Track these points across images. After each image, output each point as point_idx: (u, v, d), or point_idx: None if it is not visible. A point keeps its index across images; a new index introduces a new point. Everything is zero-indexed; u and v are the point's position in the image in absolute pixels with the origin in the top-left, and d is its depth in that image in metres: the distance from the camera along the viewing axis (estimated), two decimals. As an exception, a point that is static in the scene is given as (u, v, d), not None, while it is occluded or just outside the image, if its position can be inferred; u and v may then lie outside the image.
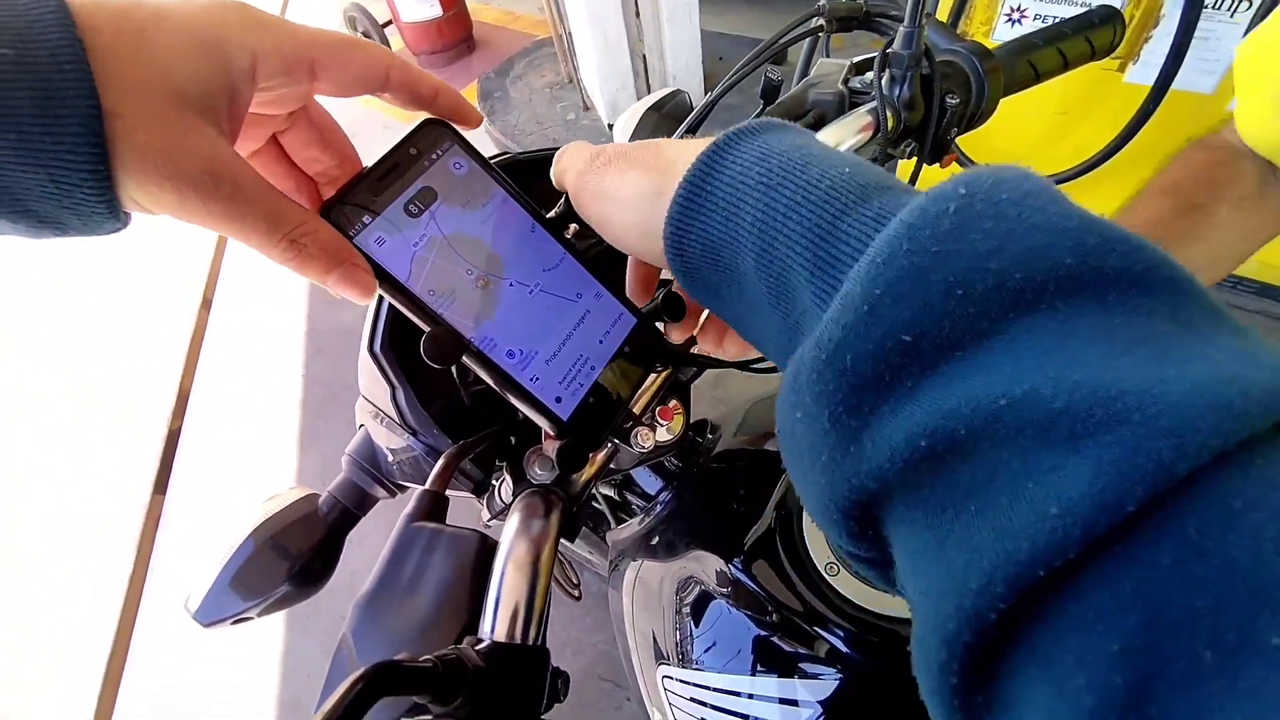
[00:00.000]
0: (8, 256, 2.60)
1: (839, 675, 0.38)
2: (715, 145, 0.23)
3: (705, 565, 0.46)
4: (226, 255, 2.46)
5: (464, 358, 0.27)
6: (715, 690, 0.42)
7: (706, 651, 0.45)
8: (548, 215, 0.31)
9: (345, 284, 0.25)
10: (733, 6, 2.97)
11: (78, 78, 0.19)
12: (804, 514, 0.44)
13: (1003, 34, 1.50)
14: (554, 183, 0.30)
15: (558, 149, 0.29)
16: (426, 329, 0.26)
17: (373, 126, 2.49)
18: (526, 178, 0.29)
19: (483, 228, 0.28)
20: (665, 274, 0.36)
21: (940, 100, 0.48)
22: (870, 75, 0.50)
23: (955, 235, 0.16)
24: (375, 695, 0.20)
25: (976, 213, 0.16)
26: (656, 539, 0.54)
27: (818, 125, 0.48)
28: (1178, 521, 0.12)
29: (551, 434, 0.29)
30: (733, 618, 0.44)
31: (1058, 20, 0.55)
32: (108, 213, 0.21)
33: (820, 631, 0.39)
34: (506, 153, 0.51)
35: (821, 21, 0.53)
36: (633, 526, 0.58)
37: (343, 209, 0.25)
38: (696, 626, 0.46)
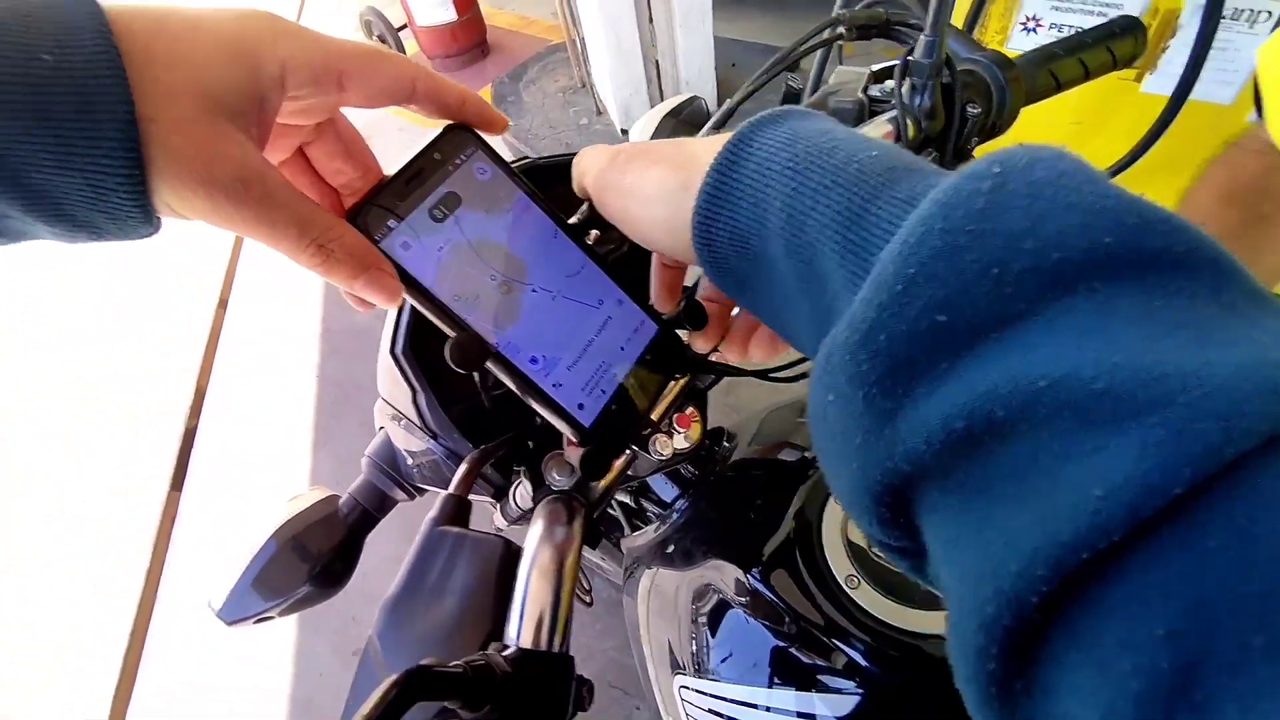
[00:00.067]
0: (29, 259, 2.64)
1: (859, 690, 0.38)
2: (740, 133, 0.23)
3: (723, 575, 0.46)
4: (242, 257, 2.48)
5: (487, 363, 0.27)
6: (732, 702, 0.42)
7: (723, 662, 0.45)
8: (569, 221, 0.31)
9: (372, 289, 0.25)
10: (746, 13, 2.97)
11: (114, 83, 0.19)
12: (823, 526, 0.44)
13: (1018, 43, 1.50)
14: (574, 185, 0.30)
15: (575, 154, 0.29)
16: (451, 334, 0.26)
17: (389, 130, 2.51)
18: (545, 183, 0.30)
19: (506, 233, 0.28)
20: (688, 280, 0.37)
21: (961, 109, 0.48)
22: (890, 83, 0.50)
23: (990, 214, 0.15)
24: (411, 699, 0.20)
25: (1011, 191, 0.15)
26: (672, 547, 0.54)
27: (838, 134, 0.48)
28: (1226, 505, 0.12)
29: (574, 440, 0.29)
30: (750, 628, 0.44)
31: (1073, 29, 0.55)
32: (142, 217, 0.21)
33: (839, 645, 0.39)
34: (525, 158, 0.52)
35: (841, 30, 0.53)
36: (648, 534, 0.58)
37: (368, 214, 0.26)
38: (713, 636, 0.46)
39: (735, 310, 0.33)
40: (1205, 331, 0.13)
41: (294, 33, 0.23)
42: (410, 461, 0.49)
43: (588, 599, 0.52)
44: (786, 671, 0.41)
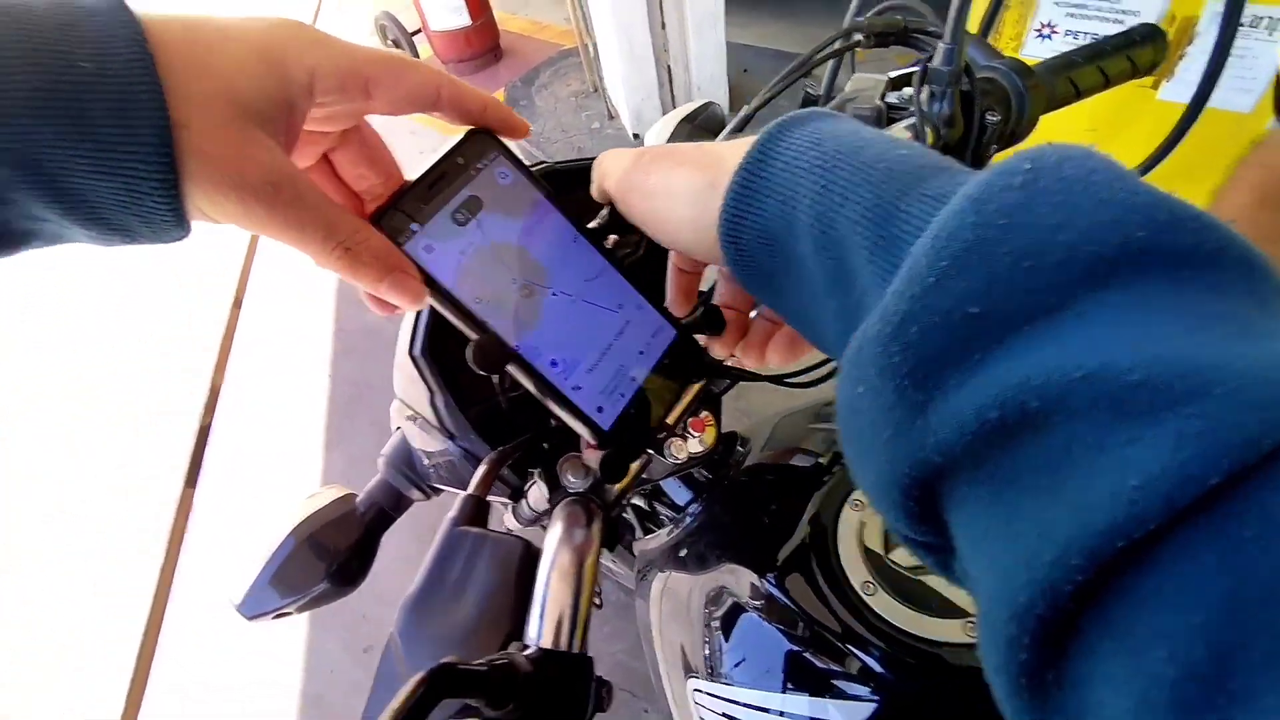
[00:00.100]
0: (54, 262, 2.68)
1: (874, 697, 0.38)
2: (768, 132, 0.23)
3: (738, 579, 0.46)
4: (257, 257, 2.51)
5: (508, 366, 0.27)
6: (746, 706, 0.42)
7: (736, 666, 0.45)
8: (589, 225, 0.31)
9: (396, 291, 0.25)
10: (758, 18, 2.98)
11: (149, 91, 0.20)
12: (839, 532, 0.44)
13: (1033, 49, 1.50)
14: (594, 188, 0.30)
15: (592, 159, 0.30)
16: (473, 336, 0.27)
17: (399, 131, 2.53)
18: (560, 187, 0.30)
19: (527, 237, 0.29)
20: (703, 285, 0.37)
21: (980, 117, 0.48)
22: (908, 90, 0.50)
23: (1022, 208, 0.15)
24: (437, 696, 0.20)
25: (1042, 187, 0.16)
26: (685, 550, 0.54)
27: (856, 141, 0.48)
28: (1262, 495, 0.12)
29: (593, 443, 0.30)
30: (764, 632, 0.44)
31: (1089, 36, 0.55)
32: (174, 220, 0.21)
33: (855, 651, 0.39)
34: (541, 162, 0.52)
35: (859, 37, 0.53)
36: (661, 537, 0.58)
37: (392, 217, 0.26)
38: (726, 640, 0.46)
39: (753, 313, 0.33)
40: (1240, 325, 0.14)
41: (322, 41, 0.24)
42: (426, 461, 0.50)
43: (597, 601, 0.52)
44: (801, 677, 0.41)
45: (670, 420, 0.45)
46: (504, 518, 0.48)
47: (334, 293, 2.23)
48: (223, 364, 2.09)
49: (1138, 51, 0.56)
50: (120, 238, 0.22)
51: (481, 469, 0.38)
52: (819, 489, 0.49)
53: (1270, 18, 0.98)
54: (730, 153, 0.24)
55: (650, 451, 0.45)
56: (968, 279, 0.15)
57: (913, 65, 0.57)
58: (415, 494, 0.51)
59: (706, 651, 0.48)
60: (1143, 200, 0.15)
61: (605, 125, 2.69)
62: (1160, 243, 0.15)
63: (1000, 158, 0.19)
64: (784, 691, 0.41)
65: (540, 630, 0.29)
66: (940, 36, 0.51)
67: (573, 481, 0.40)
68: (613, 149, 0.30)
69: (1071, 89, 0.53)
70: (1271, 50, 0.97)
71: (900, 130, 0.47)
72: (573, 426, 0.29)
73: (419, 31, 3.30)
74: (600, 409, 0.29)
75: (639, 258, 0.33)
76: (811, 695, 0.40)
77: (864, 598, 0.41)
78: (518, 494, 0.45)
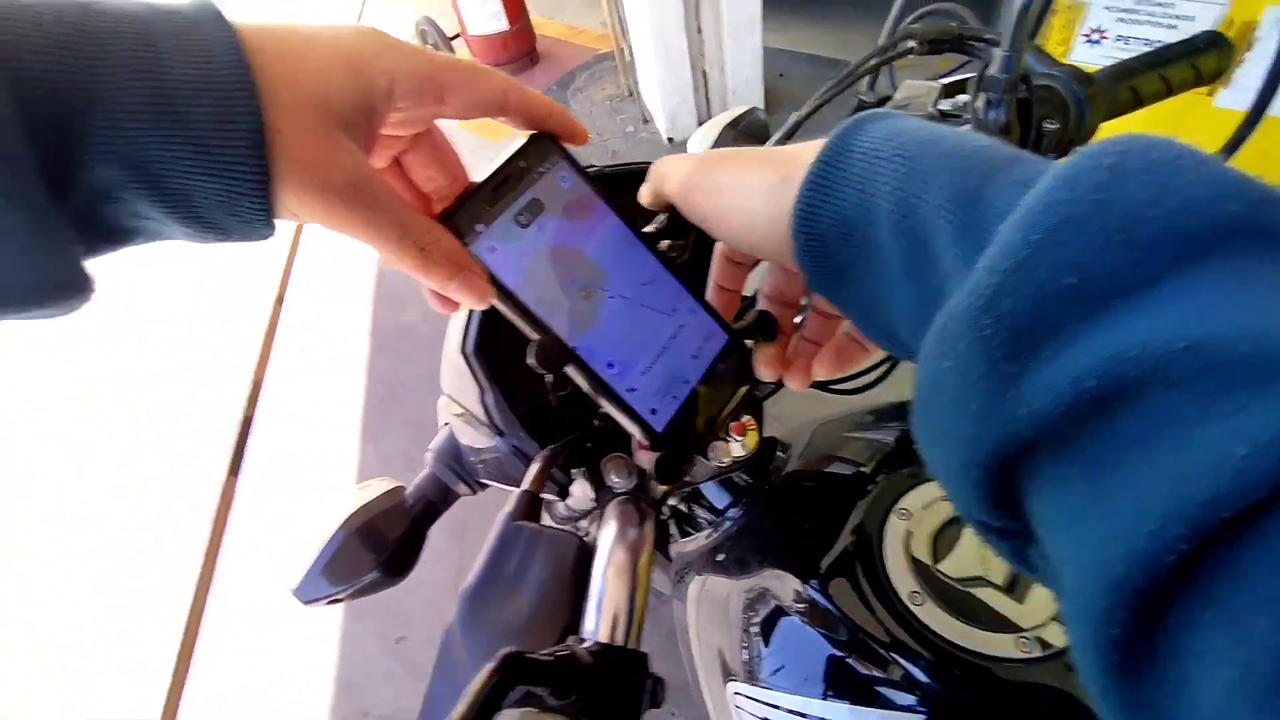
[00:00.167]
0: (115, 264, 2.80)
1: (922, 709, 0.37)
2: (844, 128, 0.24)
3: (781, 584, 0.46)
4: (298, 257, 2.59)
5: (567, 366, 0.28)
6: (789, 712, 0.42)
7: (776, 672, 0.45)
8: (644, 229, 0.32)
9: (465, 290, 0.26)
10: (794, 23, 2.96)
11: (247, 97, 0.21)
12: (885, 542, 0.44)
13: (1081, 55, 1.46)
14: (648, 192, 0.31)
15: (638, 163, 0.30)
16: (534, 337, 0.27)
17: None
18: (609, 191, 0.31)
19: (585, 240, 0.29)
20: (747, 290, 0.37)
21: (1037, 125, 0.47)
22: (962, 98, 0.49)
23: (1114, 185, 0.16)
24: (511, 682, 0.21)
25: (1132, 168, 0.16)
26: (724, 554, 0.54)
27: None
28: None
29: (645, 444, 0.30)
30: (807, 638, 0.43)
31: (1141, 41, 0.53)
32: (264, 220, 0.23)
33: (901, 660, 0.39)
34: (590, 166, 0.53)
35: (913, 44, 0.53)
36: (699, 540, 0.59)
37: (460, 219, 0.27)
38: (766, 646, 0.46)
39: (798, 318, 0.34)
40: None
41: (401, 49, 0.25)
42: (474, 457, 0.51)
43: None
44: (844, 684, 0.41)
45: (718, 423, 0.45)
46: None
47: (371, 292, 2.29)
48: (265, 358, 2.16)
49: (1202, 59, 0.54)
50: (214, 235, 0.23)
51: (536, 465, 0.38)
52: (862, 498, 0.48)
53: (1337, 22, 0.94)
54: (803, 151, 0.25)
55: (695, 454, 0.45)
56: (1062, 251, 0.16)
57: (953, 70, 0.56)
58: (462, 488, 0.52)
59: (745, 656, 0.48)
60: (1233, 179, 0.15)
61: (639, 129, 2.70)
62: (1255, 219, 0.15)
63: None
64: (824, 699, 0.41)
65: (597, 625, 0.29)
66: (994, 43, 0.51)
67: (616, 481, 0.41)
68: (670, 155, 0.30)
69: (1133, 97, 0.52)
70: (1338, 56, 0.92)
71: (954, 137, 0.47)
72: (627, 428, 0.30)
73: (457, 36, 3.36)
74: (654, 411, 0.30)
75: (685, 262, 0.34)
76: (854, 704, 0.40)
77: (911, 608, 0.40)
78: (564, 492, 0.46)
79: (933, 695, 0.38)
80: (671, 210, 0.31)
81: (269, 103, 0.21)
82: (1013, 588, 0.40)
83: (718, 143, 0.65)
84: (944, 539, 0.44)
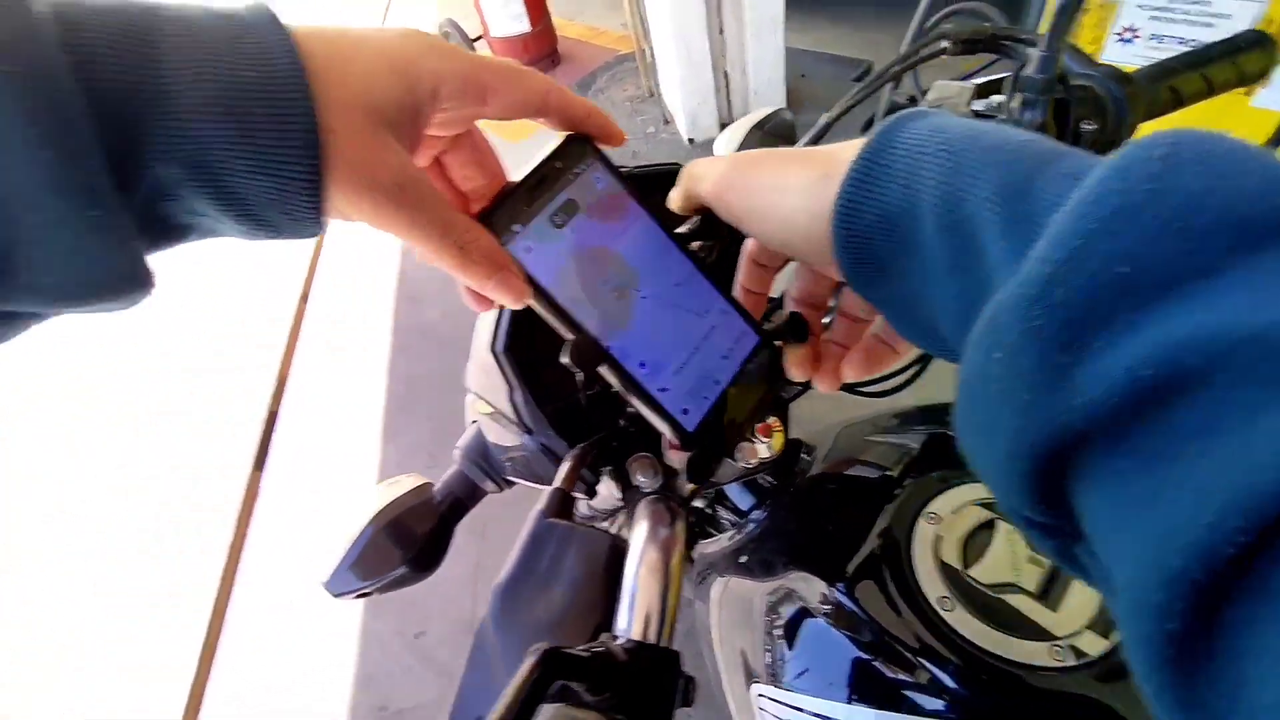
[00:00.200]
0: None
1: (950, 714, 0.37)
2: (886, 125, 0.24)
3: (807, 586, 0.46)
4: (322, 256, 2.63)
5: (600, 366, 0.28)
6: (815, 715, 0.42)
7: (800, 675, 0.45)
8: (677, 230, 0.32)
9: (502, 289, 0.26)
10: (816, 24, 2.94)
11: (301, 98, 0.21)
12: (914, 546, 0.43)
13: (1113, 53, 1.43)
14: (681, 193, 0.31)
15: (666, 164, 0.30)
16: (569, 336, 0.28)
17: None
18: (640, 192, 0.31)
19: (619, 240, 0.29)
20: (774, 291, 0.37)
21: (1075, 126, 0.47)
22: (996, 98, 0.49)
23: (1167, 175, 0.15)
24: (551, 677, 0.21)
25: (1185, 159, 0.16)
26: (748, 556, 0.54)
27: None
28: None
29: (676, 444, 0.30)
30: (833, 640, 0.43)
31: (1175, 40, 0.52)
32: (314, 218, 0.23)
33: (929, 665, 0.38)
34: (623, 167, 0.53)
35: (946, 44, 0.53)
36: (721, 541, 0.59)
37: (497, 218, 0.27)
38: (790, 649, 0.46)
39: (826, 319, 0.33)
40: None
41: (446, 50, 0.26)
42: (502, 455, 0.52)
43: None
44: (870, 688, 0.41)
45: (746, 424, 0.45)
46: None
47: (394, 291, 2.32)
48: (289, 354, 2.20)
49: (1245, 58, 0.53)
50: (266, 233, 0.24)
51: (567, 463, 0.39)
52: (888, 501, 0.48)
53: (1384, 20, 0.91)
54: (842, 149, 0.25)
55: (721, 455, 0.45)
56: (1115, 241, 0.15)
57: (978, 70, 0.56)
58: (489, 486, 0.52)
59: (769, 659, 0.47)
60: None
61: (660, 130, 2.71)
62: None
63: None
64: (850, 702, 0.41)
65: (630, 623, 0.29)
66: (1028, 42, 0.50)
67: (642, 480, 0.41)
68: (699, 158, 0.30)
69: (1173, 97, 0.51)
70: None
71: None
72: (658, 427, 0.30)
73: (480, 38, 3.39)
74: (685, 411, 0.30)
75: (713, 263, 0.34)
76: (880, 709, 0.40)
77: (940, 613, 0.40)
78: (591, 491, 0.46)
79: (961, 701, 0.37)
80: (704, 212, 0.31)
81: (321, 104, 0.22)
82: (1046, 594, 0.40)
83: (744, 144, 0.65)
84: (974, 544, 0.43)
